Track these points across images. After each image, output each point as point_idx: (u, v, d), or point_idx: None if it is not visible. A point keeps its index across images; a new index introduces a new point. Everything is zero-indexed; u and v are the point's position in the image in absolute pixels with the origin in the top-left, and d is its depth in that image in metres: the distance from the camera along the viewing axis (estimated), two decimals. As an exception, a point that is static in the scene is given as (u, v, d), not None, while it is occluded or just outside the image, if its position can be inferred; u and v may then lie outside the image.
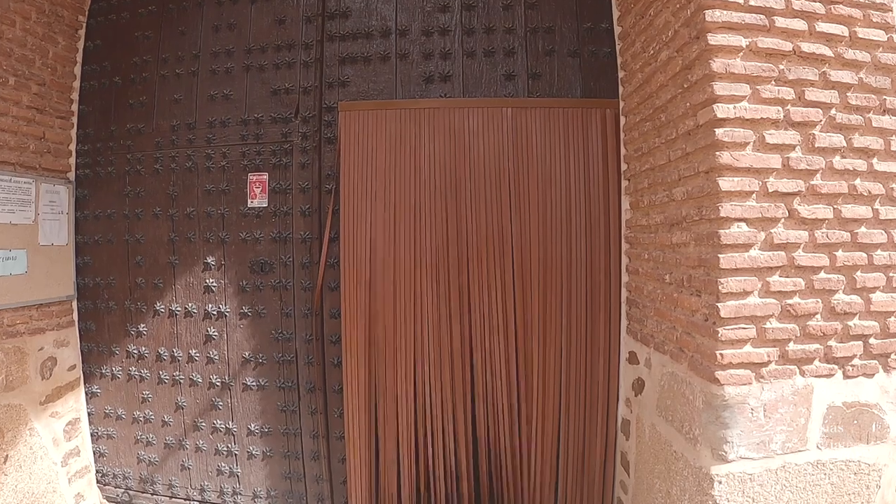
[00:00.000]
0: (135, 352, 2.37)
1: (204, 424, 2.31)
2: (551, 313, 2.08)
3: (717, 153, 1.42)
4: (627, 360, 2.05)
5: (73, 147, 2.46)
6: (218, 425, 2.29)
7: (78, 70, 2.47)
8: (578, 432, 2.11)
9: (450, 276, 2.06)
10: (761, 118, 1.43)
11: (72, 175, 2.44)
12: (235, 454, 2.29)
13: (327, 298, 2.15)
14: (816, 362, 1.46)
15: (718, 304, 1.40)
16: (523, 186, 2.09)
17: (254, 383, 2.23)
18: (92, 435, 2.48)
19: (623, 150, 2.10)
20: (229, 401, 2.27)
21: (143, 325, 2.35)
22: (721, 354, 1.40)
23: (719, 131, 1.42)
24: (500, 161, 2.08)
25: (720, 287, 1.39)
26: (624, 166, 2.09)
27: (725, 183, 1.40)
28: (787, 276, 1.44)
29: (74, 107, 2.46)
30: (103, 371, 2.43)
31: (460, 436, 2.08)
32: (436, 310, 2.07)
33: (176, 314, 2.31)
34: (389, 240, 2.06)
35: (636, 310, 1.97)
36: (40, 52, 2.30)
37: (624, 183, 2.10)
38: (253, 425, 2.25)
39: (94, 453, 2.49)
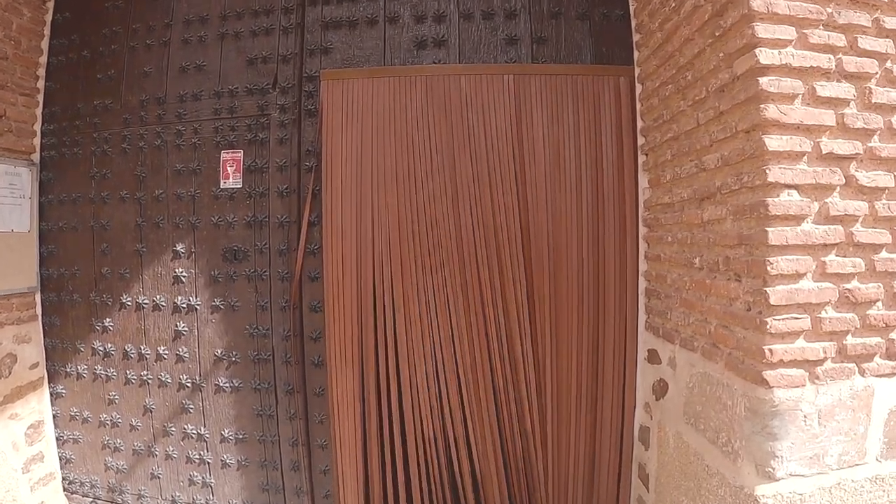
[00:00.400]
0: (100, 349, 2.16)
1: (174, 429, 2.09)
2: (561, 306, 1.84)
3: (762, 106, 1.17)
4: (646, 359, 1.80)
5: (37, 127, 2.26)
6: (189, 431, 2.06)
7: (45, 44, 2.27)
8: (587, 440, 1.86)
9: (444, 265, 1.83)
10: (811, 67, 1.19)
11: (36, 157, 2.24)
12: (208, 463, 2.06)
13: (307, 290, 1.92)
14: (877, 359, 1.22)
15: (767, 289, 1.15)
16: (528, 162, 1.85)
17: (227, 384, 2.01)
18: (57, 439, 2.27)
19: (640, 122, 1.86)
20: (201, 404, 2.05)
21: (108, 320, 2.14)
22: (770, 350, 1.16)
23: (763, 80, 1.18)
24: (502, 134, 1.85)
25: (768, 268, 1.15)
26: (641, 140, 1.85)
27: (773, 142, 1.16)
28: (845, 256, 1.19)
29: (41, 83, 2.26)
30: (68, 370, 2.22)
31: (452, 451, 1.84)
32: (429, 302, 1.83)
33: (143, 307, 2.09)
34: (378, 223, 1.83)
35: (657, 301, 1.72)
36: (2, 24, 2.10)
37: (641, 158, 1.85)
38: (227, 431, 2.03)
39: (61, 459, 2.27)
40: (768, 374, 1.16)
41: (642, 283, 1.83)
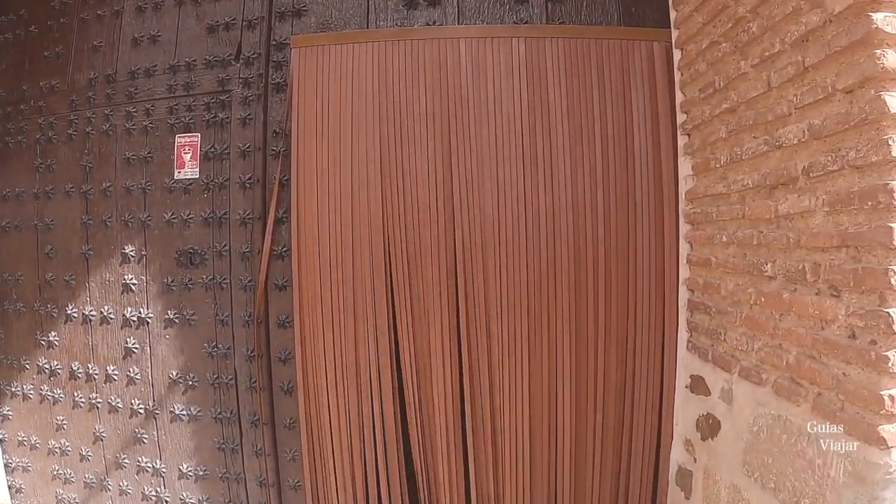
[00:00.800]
0: (46, 367, 1.87)
1: (128, 461, 1.79)
2: (581, 318, 1.50)
3: (877, 53, 0.83)
4: (689, 387, 1.46)
5: (-21, 114, 1.97)
6: (144, 464, 1.76)
7: (-10, 22, 1.99)
8: (613, 480, 1.53)
9: (438, 272, 1.50)
10: (943, -1, 0.84)
11: (-24, 148, 1.96)
12: (166, 501, 1.76)
13: (274, 301, 1.60)
14: None
15: (889, 311, 0.80)
16: (541, 149, 1.51)
17: (184, 412, 1.70)
18: (6, 465, 1.99)
19: (680, 96, 1.51)
20: (155, 433, 1.75)
21: (54, 334, 1.85)
22: (891, 397, 0.81)
23: (878, 17, 0.83)
24: (511, 111, 1.51)
25: (892, 279, 0.80)
26: (682, 117, 1.51)
27: (895, 101, 0.82)
28: None
29: (-16, 65, 1.98)
30: (14, 389, 1.94)
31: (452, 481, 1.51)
32: (423, 319, 1.51)
33: (91, 320, 1.79)
34: (359, 220, 1.50)
35: (704, 317, 1.38)
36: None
37: (682, 140, 1.51)
38: (185, 466, 1.72)
39: (11, 488, 2.00)
40: (887, 430, 0.82)
41: (684, 294, 1.48)
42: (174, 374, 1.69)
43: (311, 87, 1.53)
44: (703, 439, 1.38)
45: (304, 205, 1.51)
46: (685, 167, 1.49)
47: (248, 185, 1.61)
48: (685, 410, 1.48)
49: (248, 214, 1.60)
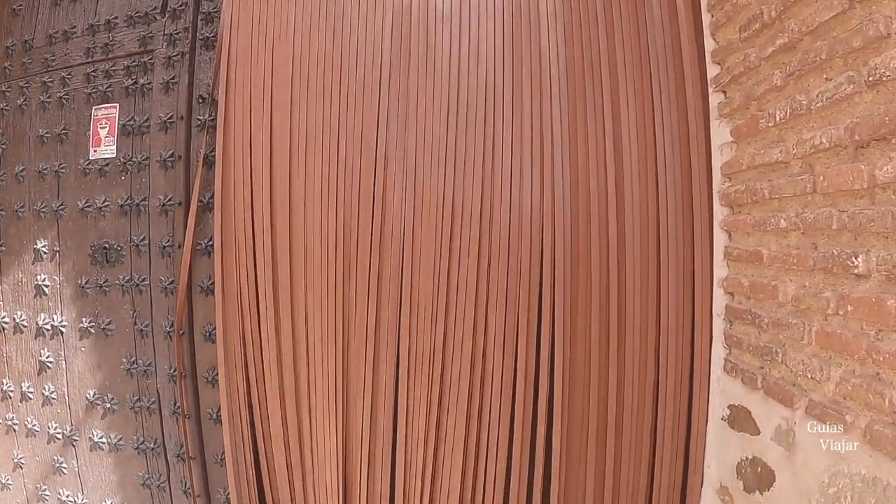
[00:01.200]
0: (-40, 382, 1.60)
1: (48, 494, 1.51)
2: (578, 326, 1.17)
3: None
4: (727, 420, 1.12)
5: None
6: (65, 497, 1.48)
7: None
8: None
9: (391, 269, 1.18)
10: None
11: None
12: (92, 543, 1.48)
13: (200, 308, 1.30)
14: None
15: None
16: (530, 110, 1.18)
17: (104, 440, 1.41)
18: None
19: (710, 44, 1.17)
20: (75, 463, 1.47)
21: (-33, 344, 1.58)
22: None
23: None
24: (492, 63, 1.19)
25: None
26: (714, 69, 1.17)
27: None
28: None
29: None
30: (-67, 406, 1.68)
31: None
32: (391, 325, 1.19)
33: (3, 328, 1.52)
34: (298, 204, 1.19)
35: (752, 330, 1.03)
36: None
37: (715, 99, 1.17)
38: (110, 503, 1.43)
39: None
40: None
41: (720, 299, 1.14)
42: (91, 393, 1.41)
43: (245, 37, 1.23)
44: (748, 491, 1.03)
45: (231, 185, 1.21)
46: (721, 133, 1.14)
47: (169, 164, 1.31)
48: (721, 449, 1.14)
49: (169, 200, 1.31)
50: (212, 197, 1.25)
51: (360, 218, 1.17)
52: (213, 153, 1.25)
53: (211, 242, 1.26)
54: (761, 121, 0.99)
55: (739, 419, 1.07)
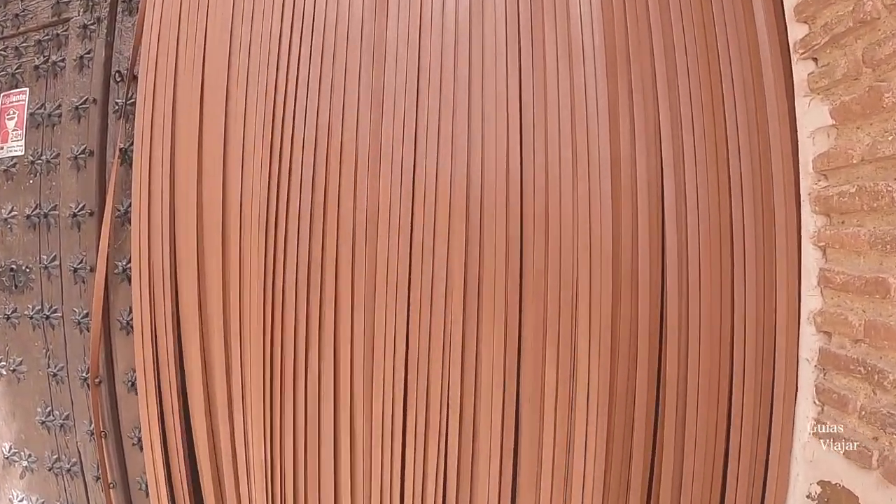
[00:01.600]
0: None
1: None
2: (618, 379, 0.84)
3: None
4: (815, 499, 0.78)
5: None
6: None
7: None
8: None
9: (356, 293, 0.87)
10: None
11: None
12: None
13: (120, 347, 1.01)
14: None
15: None
16: (554, 87, 0.85)
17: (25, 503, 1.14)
18: None
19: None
20: (-2, 529, 1.20)
21: None
22: None
23: None
24: (503, 26, 0.86)
25: None
26: (800, 30, 0.82)
27: None
28: None
29: None
30: None
31: None
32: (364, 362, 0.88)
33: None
34: (234, 208, 0.89)
35: (862, 386, 0.69)
36: None
37: (802, 70, 0.82)
38: (38, 580, 1.17)
39: None
40: None
41: (811, 341, 0.79)
42: (7, 448, 1.14)
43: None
44: None
45: (149, 188, 0.91)
46: (813, 115, 0.79)
47: (81, 161, 1.02)
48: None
49: (81, 208, 1.01)
50: (130, 205, 0.96)
51: (300, 231, 0.86)
52: (130, 146, 0.96)
53: (127, 261, 0.96)
54: (886, 95, 0.64)
55: (835, 502, 0.73)
